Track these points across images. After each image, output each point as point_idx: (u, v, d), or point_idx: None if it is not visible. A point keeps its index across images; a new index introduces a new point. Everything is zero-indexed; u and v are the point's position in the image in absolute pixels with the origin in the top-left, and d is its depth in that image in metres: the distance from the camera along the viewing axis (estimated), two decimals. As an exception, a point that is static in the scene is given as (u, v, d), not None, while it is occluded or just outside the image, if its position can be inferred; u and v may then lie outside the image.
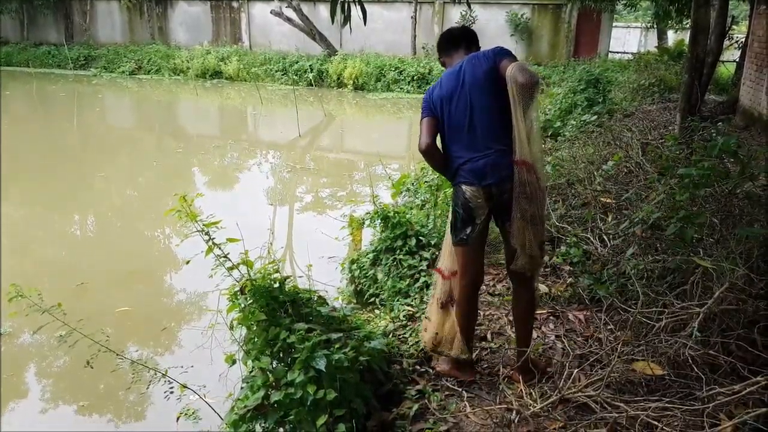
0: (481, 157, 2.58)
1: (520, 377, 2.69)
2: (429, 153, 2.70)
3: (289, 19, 19.32)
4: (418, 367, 3.01)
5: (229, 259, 2.75)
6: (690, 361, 2.12)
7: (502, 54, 2.57)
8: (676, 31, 19.43)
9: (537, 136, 2.51)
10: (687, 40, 8.45)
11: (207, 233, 2.70)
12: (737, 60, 9.78)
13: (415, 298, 3.84)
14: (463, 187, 2.62)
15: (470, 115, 2.60)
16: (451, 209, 2.77)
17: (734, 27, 8.72)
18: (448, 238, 2.87)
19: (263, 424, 2.48)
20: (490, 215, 2.68)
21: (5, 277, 5.29)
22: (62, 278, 5.35)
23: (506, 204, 2.57)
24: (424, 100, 2.78)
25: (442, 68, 2.91)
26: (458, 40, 2.84)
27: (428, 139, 2.67)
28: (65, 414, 3.70)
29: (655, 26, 17.40)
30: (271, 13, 19.78)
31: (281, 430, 2.50)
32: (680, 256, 2.67)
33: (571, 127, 7.18)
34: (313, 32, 19.31)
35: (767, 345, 2.15)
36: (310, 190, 8.65)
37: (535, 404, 2.41)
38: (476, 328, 3.31)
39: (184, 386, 2.90)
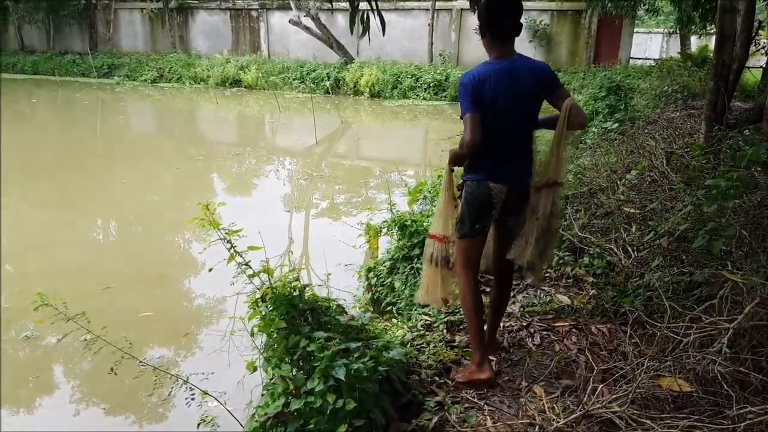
0: (516, 162, 2.75)
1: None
2: (479, 148, 2.71)
3: (307, 28, 19.46)
4: (437, 378, 2.97)
5: (250, 267, 2.75)
6: (719, 378, 2.06)
7: (556, 80, 2.69)
8: (699, 37, 19.19)
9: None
10: (711, 46, 8.31)
11: (229, 241, 2.71)
12: (764, 66, 9.59)
13: (433, 308, 3.81)
14: (491, 184, 2.73)
15: (518, 122, 2.71)
16: (464, 201, 2.82)
17: (761, 32, 8.56)
18: (440, 205, 2.99)
19: (283, 433, 2.46)
20: (501, 210, 2.84)
21: (30, 281, 5.37)
22: (86, 282, 5.40)
23: (516, 204, 2.80)
24: (467, 90, 2.66)
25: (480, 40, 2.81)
26: (519, 28, 2.73)
27: (479, 136, 2.65)
28: (87, 417, 3.72)
29: (677, 32, 17.17)
30: (289, 22, 19.94)
31: (301, 438, 2.49)
32: (708, 269, 2.61)
33: (592, 135, 7.10)
34: (330, 41, 19.41)
35: (801, 362, 2.08)
36: (326, 197, 8.66)
37: (558, 419, 2.36)
38: (498, 338, 3.28)
39: (206, 393, 2.92)
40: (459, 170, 2.97)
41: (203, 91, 19.50)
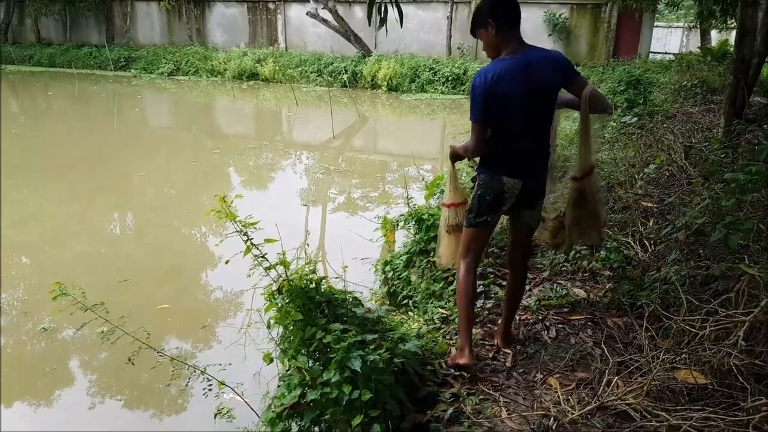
0: (533, 156, 2.74)
1: (502, 343, 3.12)
2: (478, 156, 2.84)
3: (324, 21, 19.47)
4: (452, 370, 2.99)
5: (267, 260, 2.79)
6: (734, 370, 2.06)
7: (573, 68, 2.67)
8: (719, 32, 18.88)
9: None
10: (731, 41, 8.19)
11: (245, 234, 2.75)
12: (784, 61, 9.45)
13: (449, 301, 3.83)
14: (504, 178, 2.73)
15: (534, 116, 2.67)
16: (476, 192, 2.83)
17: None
18: (448, 178, 3.13)
19: (299, 423, 2.51)
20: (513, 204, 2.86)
21: (47, 274, 5.47)
22: (104, 274, 5.50)
23: (531, 198, 2.81)
24: (476, 94, 2.60)
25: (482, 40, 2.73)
26: (519, 14, 2.69)
27: (481, 148, 2.72)
28: (106, 407, 3.80)
29: (698, 26, 16.92)
30: (306, 14, 19.96)
31: (317, 428, 2.53)
32: (725, 263, 2.60)
33: (611, 129, 7.05)
34: (348, 33, 19.41)
35: (817, 356, 2.08)
36: (343, 191, 8.70)
37: (573, 411, 2.38)
38: (513, 330, 3.29)
39: (222, 383, 2.96)
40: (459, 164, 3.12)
41: (220, 84, 19.62)
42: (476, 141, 2.67)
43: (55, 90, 18.75)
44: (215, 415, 3.20)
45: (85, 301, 2.77)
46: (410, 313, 4.03)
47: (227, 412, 3.20)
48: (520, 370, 2.96)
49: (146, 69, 21.68)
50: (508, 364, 3.00)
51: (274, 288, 2.80)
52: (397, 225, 5.45)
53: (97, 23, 24.93)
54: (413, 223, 4.87)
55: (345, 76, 18.43)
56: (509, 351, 3.11)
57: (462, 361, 2.84)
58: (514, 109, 2.61)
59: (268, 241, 2.80)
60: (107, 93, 18.29)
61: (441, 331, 3.43)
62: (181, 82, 20.26)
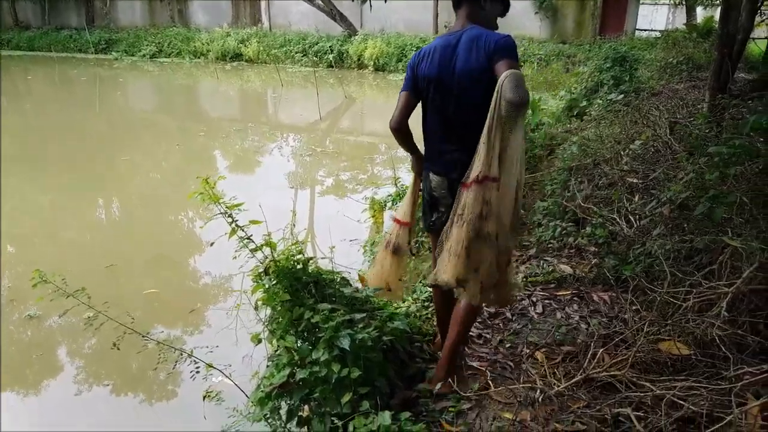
0: (453, 151, 2.44)
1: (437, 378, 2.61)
2: (398, 133, 2.58)
3: None
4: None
5: (253, 241, 2.77)
6: (717, 340, 2.10)
7: (502, 52, 2.23)
8: (705, 8, 18.88)
9: (521, 157, 2.23)
10: (716, 17, 8.20)
11: (230, 215, 2.72)
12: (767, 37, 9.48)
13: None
14: (431, 175, 2.55)
15: (453, 104, 2.39)
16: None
17: (766, 3, 8.44)
18: (409, 192, 2.89)
19: (289, 402, 2.52)
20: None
21: (33, 261, 5.42)
22: (90, 261, 5.46)
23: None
24: (409, 66, 2.51)
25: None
26: None
27: (400, 118, 2.52)
28: (93, 394, 3.80)
29: (683, 3, 16.90)
30: (290, -7, 19.70)
31: (306, 407, 2.54)
32: (708, 235, 2.63)
33: (597, 106, 7.05)
34: (333, 12, 19.18)
35: (798, 325, 2.12)
36: (330, 173, 8.67)
37: (559, 384, 2.41)
38: (500, 310, 3.31)
39: (210, 365, 2.95)
40: None
41: (203, 66, 19.38)
42: (395, 110, 2.52)
43: (35, 74, 18.40)
44: (204, 398, 3.21)
45: (67, 288, 2.74)
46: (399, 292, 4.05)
47: (216, 394, 3.21)
48: (507, 345, 2.99)
49: (128, 51, 21.34)
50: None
51: (261, 270, 2.79)
52: (385, 205, 5.46)
53: (77, 5, 24.40)
54: (401, 202, 4.88)
55: (331, 56, 18.26)
56: (444, 389, 2.59)
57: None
58: (434, 92, 2.42)
59: (253, 222, 2.78)
60: (88, 77, 17.99)
61: (429, 310, 3.45)
62: (163, 64, 19.97)
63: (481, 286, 2.31)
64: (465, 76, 2.32)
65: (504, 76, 2.09)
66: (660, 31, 18.77)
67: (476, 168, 2.19)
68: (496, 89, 2.11)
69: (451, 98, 2.39)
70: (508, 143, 2.16)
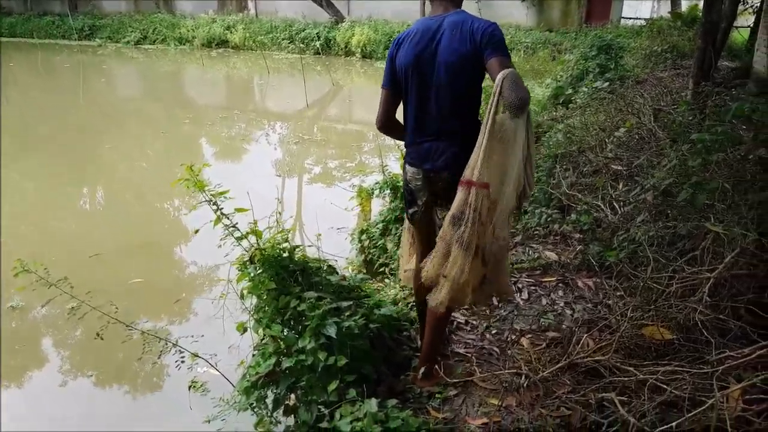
0: (428, 140, 2.34)
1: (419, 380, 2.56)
2: (384, 130, 2.54)
3: (295, -14, 19.02)
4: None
5: (238, 229, 2.75)
6: (700, 325, 2.12)
7: (494, 46, 2.11)
8: (690, -4, 18.96)
9: (524, 165, 2.13)
10: (701, 6, 8.24)
11: (215, 203, 2.70)
12: (751, 26, 9.53)
13: (425, 267, 3.85)
14: (407, 166, 2.47)
15: (432, 93, 2.27)
16: None
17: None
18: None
19: (275, 391, 2.51)
20: (434, 199, 2.46)
21: (17, 251, 5.35)
22: (74, 250, 5.40)
23: (441, 193, 2.38)
24: (388, 57, 2.41)
25: None
26: None
27: (382, 117, 2.49)
28: (77, 385, 3.78)
29: (668, -9, 16.94)
30: (276, -21, 19.46)
31: (292, 395, 2.54)
32: (691, 222, 2.66)
33: (582, 94, 7.08)
34: (319, -2, 19.01)
35: (778, 310, 2.15)
36: (318, 161, 8.63)
37: (544, 369, 2.43)
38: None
39: (195, 355, 2.94)
40: None
41: (189, 53, 19.14)
42: (379, 109, 2.47)
43: (17, 61, 18.06)
44: (189, 387, 3.20)
45: (50, 277, 2.71)
46: (386, 281, 4.06)
47: (201, 385, 3.20)
48: (493, 332, 3.01)
49: (112, 38, 20.99)
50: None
51: (246, 258, 2.78)
52: (373, 193, 5.44)
53: (60, -9, 23.93)
54: (389, 190, 4.87)
55: (317, 43, 18.11)
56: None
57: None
58: (409, 81, 2.31)
59: (238, 210, 2.76)
60: (72, 63, 17.71)
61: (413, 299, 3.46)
62: (148, 51, 19.70)
63: (450, 290, 2.18)
64: (447, 64, 2.21)
65: (501, 77, 1.99)
66: (645, 19, 18.78)
67: (467, 170, 2.10)
68: (493, 92, 2.00)
69: (430, 86, 2.27)
70: (508, 148, 2.06)
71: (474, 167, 2.07)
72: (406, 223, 2.78)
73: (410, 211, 2.55)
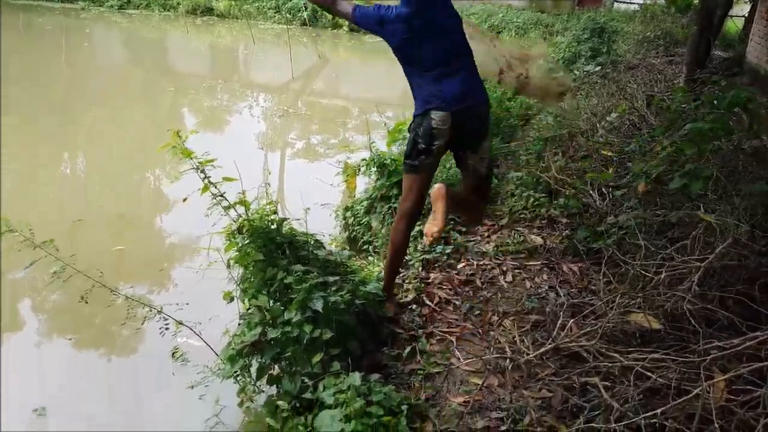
0: (454, 73, 2.60)
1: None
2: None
3: (283, -47, 18.56)
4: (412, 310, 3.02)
5: (226, 199, 2.70)
6: (687, 314, 2.12)
7: None
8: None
9: None
10: (696, -8, 8.22)
11: (203, 171, 2.64)
12: (745, 15, 9.53)
13: (409, 247, 3.82)
14: (432, 113, 2.60)
15: (448, 30, 2.61)
16: (409, 136, 2.74)
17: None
18: None
19: (260, 360, 2.50)
20: (449, 143, 2.69)
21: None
22: (56, 217, 5.28)
23: (471, 132, 2.68)
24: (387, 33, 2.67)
25: None
26: None
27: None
28: (57, 347, 3.70)
29: (663, -24, 16.89)
30: (265, -55, 18.96)
31: (277, 366, 2.53)
32: (682, 210, 2.65)
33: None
34: (308, -32, 18.59)
35: (766, 301, 2.15)
36: (302, 135, 8.50)
37: (528, 351, 2.43)
38: (471, 278, 3.33)
39: (180, 323, 2.90)
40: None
41: (173, 19, 18.66)
42: None
43: (-3, 22, 17.45)
44: (173, 354, 3.17)
45: (34, 238, 2.64)
46: (370, 258, 4.03)
47: (181, 355, 3.17)
48: (477, 313, 3.00)
49: (95, 1, 20.29)
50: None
51: (234, 228, 2.73)
52: (359, 170, 5.37)
53: (40, -52, 23.04)
54: (375, 168, 4.81)
55: (305, 14, 17.74)
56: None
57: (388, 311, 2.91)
58: (429, 18, 2.59)
59: (226, 179, 2.70)
60: (53, 26, 17.11)
61: (400, 276, 3.43)
62: (132, 15, 19.15)
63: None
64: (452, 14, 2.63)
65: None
66: (639, 4, 18.76)
67: None
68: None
69: (444, 22, 2.59)
70: None
71: None
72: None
73: (421, 158, 2.67)
